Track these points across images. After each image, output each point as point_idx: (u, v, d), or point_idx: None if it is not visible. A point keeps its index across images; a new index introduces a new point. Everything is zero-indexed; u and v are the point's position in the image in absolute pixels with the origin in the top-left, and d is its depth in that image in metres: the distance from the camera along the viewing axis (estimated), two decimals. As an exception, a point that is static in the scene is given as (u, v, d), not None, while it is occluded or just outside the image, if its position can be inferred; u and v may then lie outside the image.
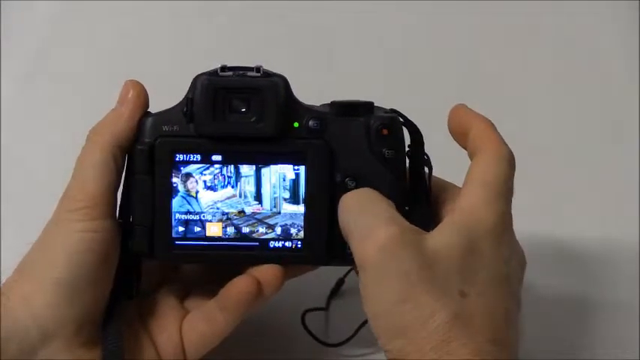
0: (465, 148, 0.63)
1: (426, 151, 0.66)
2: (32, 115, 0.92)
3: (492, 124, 0.62)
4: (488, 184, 0.59)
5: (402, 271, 0.56)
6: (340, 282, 0.80)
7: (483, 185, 0.59)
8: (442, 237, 0.58)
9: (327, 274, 0.77)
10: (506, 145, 0.61)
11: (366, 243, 0.58)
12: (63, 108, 0.91)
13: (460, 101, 0.65)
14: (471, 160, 0.62)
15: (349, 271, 0.78)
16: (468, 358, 0.54)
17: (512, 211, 0.60)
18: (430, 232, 0.59)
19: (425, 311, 0.55)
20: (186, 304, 0.68)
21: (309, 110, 0.64)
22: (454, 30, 0.98)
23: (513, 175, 0.60)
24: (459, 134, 0.63)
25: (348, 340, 0.74)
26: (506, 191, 0.60)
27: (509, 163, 0.60)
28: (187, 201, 0.64)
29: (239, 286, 0.64)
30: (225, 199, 0.65)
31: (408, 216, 0.63)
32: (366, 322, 0.71)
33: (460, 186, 0.65)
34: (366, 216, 0.60)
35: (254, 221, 0.65)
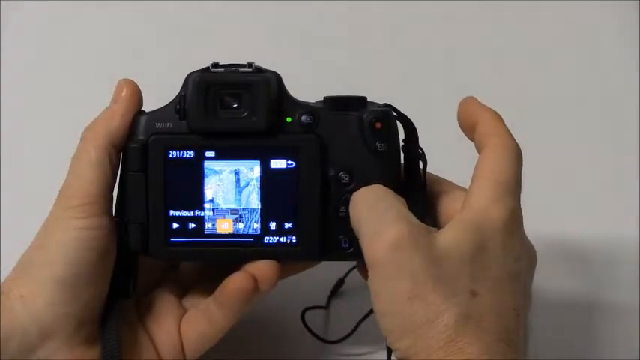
0: (473, 141, 0.63)
1: (420, 145, 0.66)
2: (31, 115, 0.92)
3: (500, 118, 0.62)
4: (496, 180, 0.59)
5: (411, 269, 0.56)
6: (340, 281, 0.80)
7: (492, 182, 0.59)
8: (452, 235, 0.57)
9: (328, 273, 0.78)
10: (514, 139, 0.61)
11: (376, 241, 0.58)
12: (62, 107, 0.91)
13: (457, 100, 0.65)
14: (479, 154, 0.62)
15: (349, 271, 0.78)
16: (476, 357, 0.54)
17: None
18: (440, 230, 0.58)
19: (433, 310, 0.55)
20: (185, 302, 0.69)
21: (302, 105, 0.65)
22: (452, 28, 0.98)
23: (521, 169, 0.60)
24: (467, 127, 0.63)
25: (347, 336, 0.74)
26: (514, 187, 0.59)
27: (517, 157, 0.60)
28: (182, 198, 0.65)
29: (235, 283, 0.64)
30: (219, 195, 0.65)
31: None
32: (365, 318, 0.72)
33: (454, 182, 0.66)
34: (375, 213, 0.60)
35: (248, 217, 0.65)
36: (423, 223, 0.59)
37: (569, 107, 0.94)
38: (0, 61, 0.94)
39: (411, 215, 0.59)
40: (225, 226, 0.65)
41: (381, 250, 0.57)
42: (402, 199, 0.62)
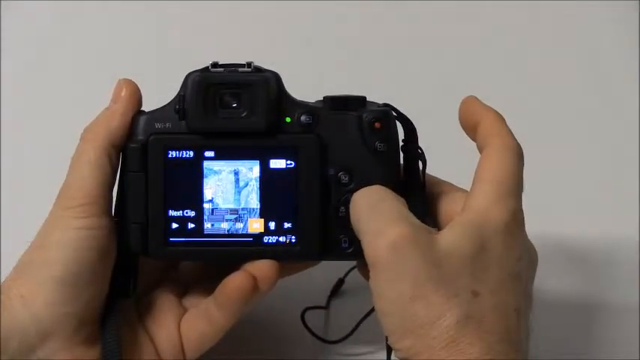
0: (475, 141, 0.63)
1: (420, 145, 0.66)
2: (31, 115, 0.92)
3: (502, 118, 0.62)
4: (497, 181, 0.59)
5: (412, 270, 0.56)
6: (340, 281, 0.80)
7: (493, 183, 0.59)
8: (453, 236, 0.57)
9: (328, 273, 0.78)
10: (515, 139, 0.61)
11: (377, 241, 0.58)
12: (62, 107, 0.91)
13: (456, 99, 0.65)
14: (480, 154, 0.62)
15: (349, 271, 0.78)
16: (478, 357, 0.54)
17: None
18: (441, 231, 0.58)
19: (435, 311, 0.55)
20: (185, 302, 0.69)
21: (301, 105, 0.65)
22: (452, 28, 0.98)
23: (522, 169, 0.60)
24: (469, 127, 0.63)
25: (347, 336, 0.74)
26: (516, 187, 0.59)
27: (519, 158, 0.60)
28: (181, 198, 0.65)
29: (234, 283, 0.64)
30: (219, 195, 0.65)
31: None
32: (365, 318, 0.72)
33: (455, 178, 0.66)
34: (376, 214, 0.60)
35: (248, 217, 0.65)
36: (423, 224, 0.59)
37: (569, 107, 0.94)
38: (0, 61, 0.94)
39: (411, 216, 0.59)
40: (225, 225, 0.65)
41: (383, 251, 0.57)
42: (403, 200, 0.62)
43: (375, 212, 0.60)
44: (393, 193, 0.62)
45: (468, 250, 0.57)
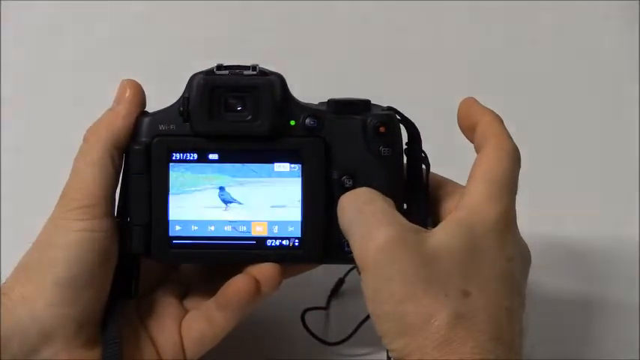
0: (472, 142, 0.63)
1: (423, 148, 0.66)
2: (33, 115, 0.92)
3: (500, 119, 0.62)
4: (491, 180, 0.59)
5: (402, 271, 0.56)
6: (340, 282, 0.80)
7: (486, 182, 0.59)
8: (443, 235, 0.57)
9: (328, 274, 0.78)
10: (512, 140, 0.61)
11: (366, 244, 0.58)
12: (64, 108, 0.91)
13: (458, 101, 0.65)
14: (477, 154, 0.62)
15: (349, 271, 0.78)
16: (470, 357, 0.54)
17: (512, 211, 0.60)
18: (431, 230, 0.58)
19: (426, 311, 0.55)
20: (186, 303, 0.69)
21: (306, 108, 0.64)
22: (453, 29, 0.98)
23: (518, 171, 0.60)
24: (467, 128, 0.63)
25: (347, 338, 0.74)
26: (509, 187, 0.59)
27: (514, 159, 0.60)
28: (184, 200, 0.64)
29: (237, 285, 0.64)
30: (223, 197, 0.65)
31: (406, 214, 0.63)
32: (365, 320, 0.72)
33: (457, 182, 0.65)
34: (364, 216, 0.60)
35: (251, 220, 0.65)
36: (412, 224, 0.59)
37: (569, 107, 0.94)
38: (1, 61, 0.94)
39: (399, 216, 0.59)
40: (228, 228, 0.65)
41: (372, 253, 0.57)
42: (390, 201, 0.62)
43: (362, 215, 0.60)
44: (381, 195, 0.62)
45: (458, 249, 0.57)
